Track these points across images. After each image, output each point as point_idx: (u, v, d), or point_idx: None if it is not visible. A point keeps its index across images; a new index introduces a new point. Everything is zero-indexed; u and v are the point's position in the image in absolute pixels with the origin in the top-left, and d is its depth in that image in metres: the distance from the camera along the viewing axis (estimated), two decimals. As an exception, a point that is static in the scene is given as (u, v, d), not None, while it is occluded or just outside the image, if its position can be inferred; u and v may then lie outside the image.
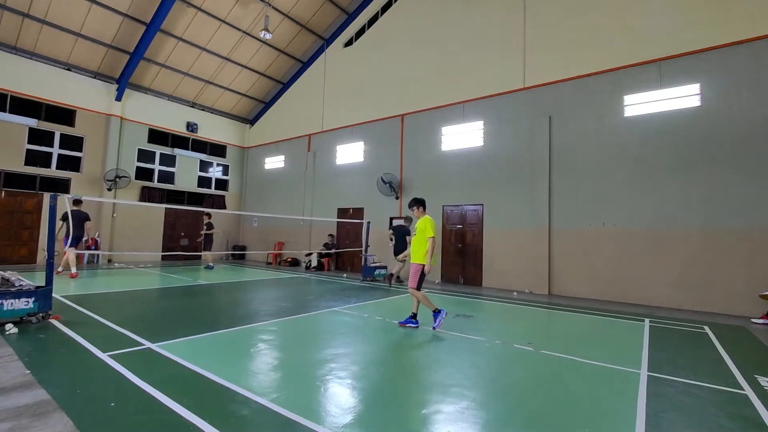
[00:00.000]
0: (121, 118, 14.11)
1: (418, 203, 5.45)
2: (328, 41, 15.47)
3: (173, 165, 15.73)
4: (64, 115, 13.04)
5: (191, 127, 16.07)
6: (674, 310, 7.72)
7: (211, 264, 12.86)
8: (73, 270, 9.12)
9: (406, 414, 2.80)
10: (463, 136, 11.38)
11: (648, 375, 3.77)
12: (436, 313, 5.14)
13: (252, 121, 18.35)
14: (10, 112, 11.91)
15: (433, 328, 4.85)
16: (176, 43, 13.70)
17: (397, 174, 12.49)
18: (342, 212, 14.00)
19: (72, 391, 2.96)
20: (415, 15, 12.83)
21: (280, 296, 7.89)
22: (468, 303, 7.78)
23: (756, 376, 3.83)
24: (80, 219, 9.34)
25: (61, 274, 9.37)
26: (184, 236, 14.96)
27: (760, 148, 7.35)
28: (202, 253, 12.54)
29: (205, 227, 12.38)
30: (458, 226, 11.17)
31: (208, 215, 12.64)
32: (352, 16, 14.68)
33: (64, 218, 9.01)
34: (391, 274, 10.23)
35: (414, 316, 5.39)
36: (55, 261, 5.78)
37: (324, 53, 15.61)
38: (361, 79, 14.12)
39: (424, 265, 5.20)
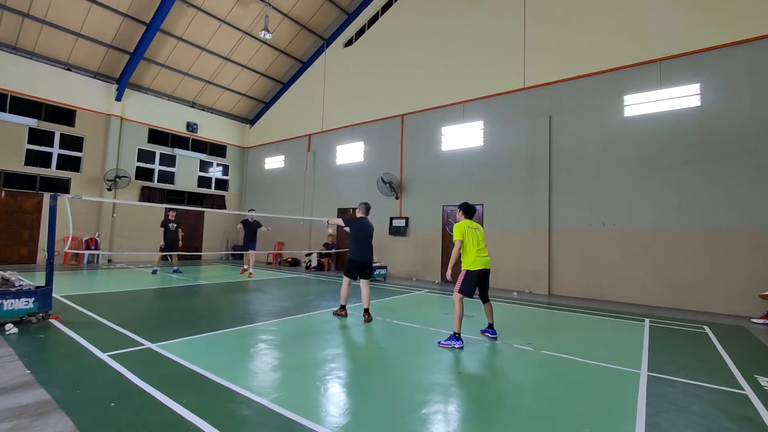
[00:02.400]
0: (121, 118, 14.11)
1: (459, 208, 5.13)
2: (328, 41, 15.47)
3: (173, 165, 15.72)
4: (64, 115, 13.04)
5: (191, 127, 16.06)
6: (674, 310, 7.72)
7: (155, 268, 11.09)
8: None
9: (406, 414, 2.79)
10: (463, 136, 11.37)
11: (648, 375, 3.77)
12: (455, 336, 4.54)
13: (252, 121, 18.35)
14: (10, 112, 11.91)
15: (438, 342, 4.61)
16: (176, 43, 13.70)
17: (397, 174, 12.49)
18: (342, 212, 13.98)
19: (72, 391, 2.96)
20: (415, 15, 12.82)
21: (280, 296, 7.89)
22: (468, 303, 7.74)
23: (756, 376, 3.83)
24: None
25: None
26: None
27: (760, 148, 7.35)
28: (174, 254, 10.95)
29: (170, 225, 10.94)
30: (458, 226, 11.14)
31: (168, 210, 11.15)
32: (352, 16, 14.68)
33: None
34: None
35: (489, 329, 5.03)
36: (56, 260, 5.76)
37: (324, 53, 15.61)
38: (361, 79, 14.12)
39: (466, 270, 4.76)
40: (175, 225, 10.99)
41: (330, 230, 5.78)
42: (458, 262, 4.88)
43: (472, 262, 4.75)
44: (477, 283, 4.82)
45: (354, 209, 13.47)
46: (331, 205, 14.31)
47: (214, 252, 16.54)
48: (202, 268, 13.01)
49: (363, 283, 5.94)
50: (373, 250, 6.06)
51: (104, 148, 13.76)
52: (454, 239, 4.82)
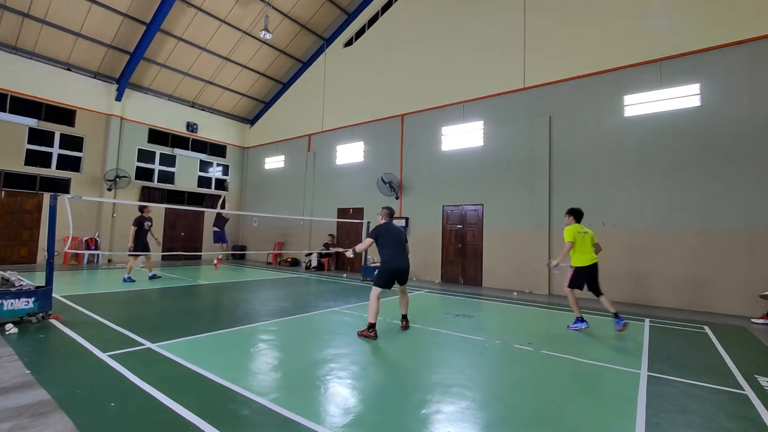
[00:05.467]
0: (121, 118, 14.11)
1: (567, 213, 6.01)
2: (328, 41, 15.47)
3: (173, 165, 15.72)
4: (64, 115, 13.04)
5: (191, 127, 16.06)
6: (674, 310, 7.72)
7: (127, 275, 9.11)
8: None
9: (406, 414, 2.79)
10: (463, 136, 11.37)
11: (648, 375, 3.77)
12: (579, 319, 5.67)
13: (252, 121, 18.35)
14: (10, 112, 11.91)
15: (568, 326, 5.68)
16: (176, 43, 13.70)
17: (397, 174, 12.49)
18: (342, 212, 14.00)
19: (72, 391, 2.96)
20: (415, 15, 12.82)
21: (280, 296, 7.88)
22: (468, 303, 7.78)
23: (756, 376, 3.83)
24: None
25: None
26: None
27: (760, 148, 7.35)
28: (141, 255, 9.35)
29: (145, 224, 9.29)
30: (458, 226, 11.17)
31: (141, 209, 9.47)
32: (352, 16, 14.68)
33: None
34: None
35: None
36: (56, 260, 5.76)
37: (324, 53, 15.61)
38: (361, 79, 14.12)
39: (572, 267, 5.74)
40: (149, 224, 9.37)
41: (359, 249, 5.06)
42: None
43: (579, 259, 5.62)
44: (585, 279, 5.66)
45: (354, 209, 13.58)
46: (330, 205, 14.32)
47: (214, 252, 16.52)
48: (202, 268, 13.01)
49: (400, 290, 5.43)
50: (408, 255, 5.37)
51: (104, 148, 13.76)
52: (565, 241, 5.71)
